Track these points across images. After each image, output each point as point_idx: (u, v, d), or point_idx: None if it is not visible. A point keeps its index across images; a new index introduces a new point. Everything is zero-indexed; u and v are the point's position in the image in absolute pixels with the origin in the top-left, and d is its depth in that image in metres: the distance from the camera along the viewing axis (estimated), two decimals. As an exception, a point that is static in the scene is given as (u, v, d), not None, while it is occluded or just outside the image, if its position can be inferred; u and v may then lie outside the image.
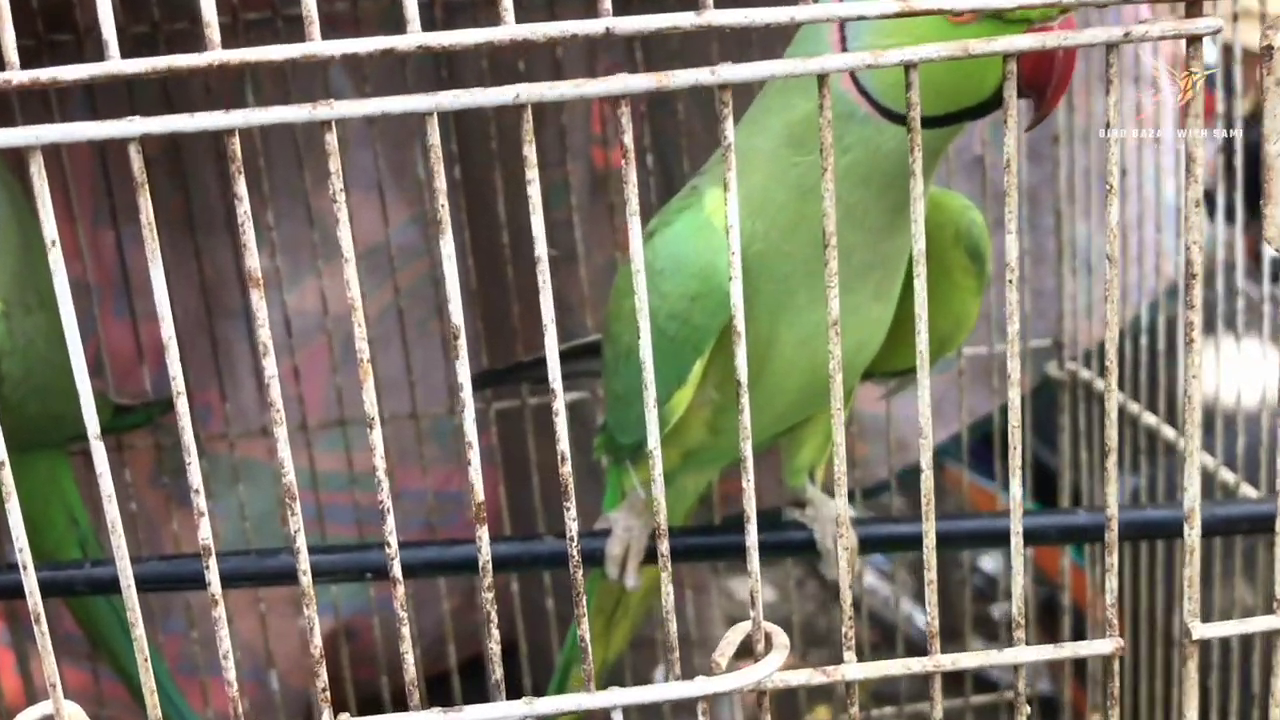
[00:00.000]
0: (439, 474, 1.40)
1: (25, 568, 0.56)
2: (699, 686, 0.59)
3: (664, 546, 0.59)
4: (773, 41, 0.99)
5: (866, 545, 0.93)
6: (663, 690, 0.59)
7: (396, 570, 0.58)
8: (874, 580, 2.05)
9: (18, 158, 0.53)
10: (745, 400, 0.57)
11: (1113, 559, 0.61)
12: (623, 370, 0.89)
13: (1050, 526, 0.90)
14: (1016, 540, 0.60)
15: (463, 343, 0.57)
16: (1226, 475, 1.08)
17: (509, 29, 0.51)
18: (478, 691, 1.38)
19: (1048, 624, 1.55)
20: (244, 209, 0.54)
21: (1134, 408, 1.21)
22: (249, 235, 0.55)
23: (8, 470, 0.56)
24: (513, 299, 1.29)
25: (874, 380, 0.98)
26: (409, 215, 1.37)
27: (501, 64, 1.26)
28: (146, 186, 0.53)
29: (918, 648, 0.66)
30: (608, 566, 0.92)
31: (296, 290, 1.33)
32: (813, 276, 0.80)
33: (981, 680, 1.50)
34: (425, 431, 1.34)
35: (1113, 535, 0.61)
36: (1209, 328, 1.14)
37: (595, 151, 1.35)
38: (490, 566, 0.59)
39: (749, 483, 0.58)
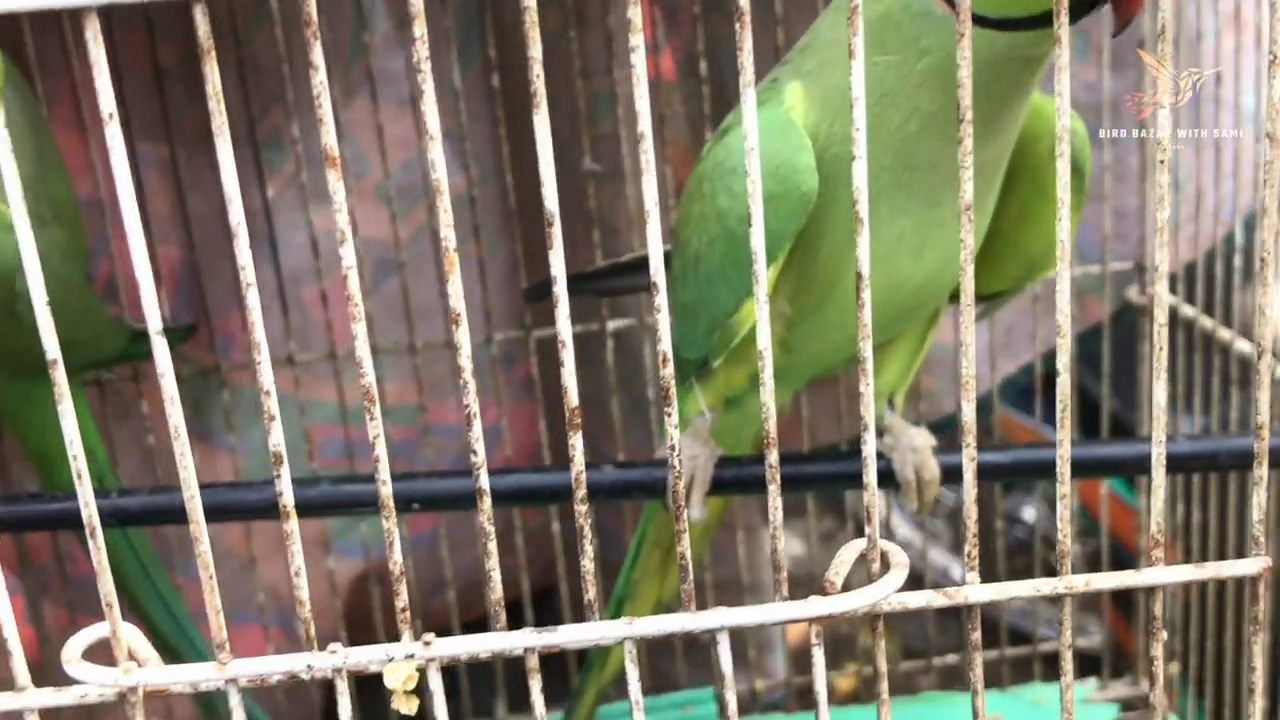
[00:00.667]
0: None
1: (80, 476, 0.54)
2: (813, 607, 0.57)
3: (773, 456, 0.57)
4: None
5: (950, 475, 0.90)
6: (774, 611, 0.57)
7: (484, 480, 0.56)
8: (907, 532, 2.04)
9: (25, 65, 0.50)
10: (866, 295, 0.55)
11: (1261, 471, 0.59)
12: (690, 279, 0.86)
13: (1199, 451, 0.87)
14: (1159, 451, 0.58)
15: (557, 230, 0.55)
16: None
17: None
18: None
19: (1093, 563, 1.54)
20: (319, 79, 0.52)
21: (1225, 334, 1.18)
22: (325, 108, 0.52)
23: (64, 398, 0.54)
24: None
25: (957, 305, 0.96)
26: (443, 130, 1.34)
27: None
28: (213, 53, 0.51)
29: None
30: (670, 497, 0.90)
31: (324, 210, 1.30)
32: (894, 187, 0.78)
33: (1017, 634, 1.51)
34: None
35: (1264, 445, 0.59)
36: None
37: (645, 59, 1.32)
38: (585, 478, 0.57)
39: (868, 387, 0.56)
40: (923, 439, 0.89)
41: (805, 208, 0.76)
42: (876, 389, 0.93)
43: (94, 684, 0.56)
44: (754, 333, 0.84)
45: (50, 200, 1.00)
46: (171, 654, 1.22)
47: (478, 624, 1.36)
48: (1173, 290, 1.28)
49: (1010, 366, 1.39)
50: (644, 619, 0.57)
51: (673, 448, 0.57)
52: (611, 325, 1.30)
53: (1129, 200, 1.30)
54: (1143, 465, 0.74)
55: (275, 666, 0.56)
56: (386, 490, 0.55)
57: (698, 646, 1.43)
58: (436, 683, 0.56)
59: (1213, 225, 1.22)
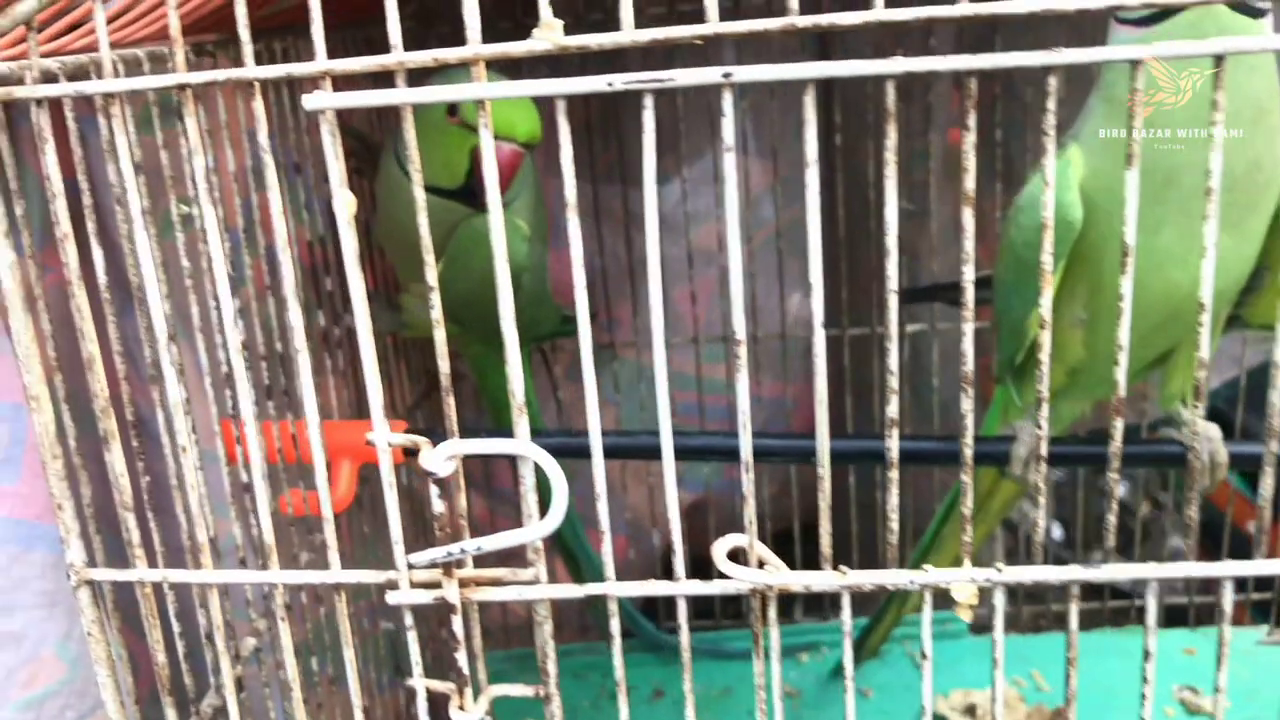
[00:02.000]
0: (772, 386, 1.39)
1: (592, 413, 0.55)
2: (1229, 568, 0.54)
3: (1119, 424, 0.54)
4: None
5: (1236, 461, 0.84)
6: (1199, 567, 0.54)
7: (894, 437, 0.55)
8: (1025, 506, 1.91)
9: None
10: (1209, 272, 0.52)
11: None
12: (998, 294, 0.86)
13: None
14: None
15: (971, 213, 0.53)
16: None
17: (879, 12, 0.49)
18: (785, 557, 1.34)
19: (1209, 546, 1.43)
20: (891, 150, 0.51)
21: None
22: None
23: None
24: (872, 247, 1.25)
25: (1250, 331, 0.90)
26: (768, 183, 1.34)
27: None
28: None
29: (1055, 558, 0.59)
30: (1013, 466, 0.86)
31: (698, 230, 1.32)
32: (1150, 208, 0.74)
33: (1115, 591, 1.43)
34: (771, 351, 1.32)
35: None
36: None
37: (953, 128, 1.30)
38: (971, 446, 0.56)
39: (1205, 349, 0.53)
40: (1215, 430, 0.83)
41: (1071, 233, 0.76)
42: (1170, 391, 0.87)
43: (739, 579, 0.54)
44: (1062, 339, 0.81)
45: (540, 227, 1.04)
46: (568, 555, 1.24)
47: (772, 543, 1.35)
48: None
49: (1213, 382, 1.31)
50: (1017, 568, 0.54)
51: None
52: (911, 329, 1.28)
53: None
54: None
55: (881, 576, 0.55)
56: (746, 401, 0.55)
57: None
58: (1000, 600, 0.55)
59: None
